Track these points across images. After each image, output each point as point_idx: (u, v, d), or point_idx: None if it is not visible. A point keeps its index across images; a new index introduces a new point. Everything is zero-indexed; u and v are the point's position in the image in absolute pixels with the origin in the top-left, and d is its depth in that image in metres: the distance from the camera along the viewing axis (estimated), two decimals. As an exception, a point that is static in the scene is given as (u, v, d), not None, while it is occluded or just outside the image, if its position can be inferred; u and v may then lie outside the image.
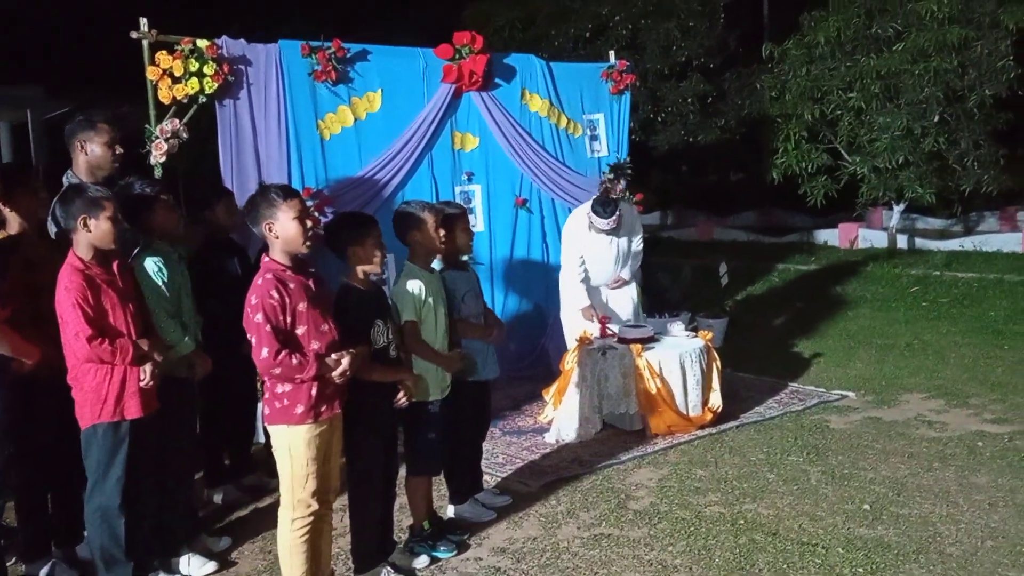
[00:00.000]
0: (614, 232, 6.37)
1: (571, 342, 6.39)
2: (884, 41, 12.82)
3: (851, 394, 6.76)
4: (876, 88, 12.56)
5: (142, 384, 3.63)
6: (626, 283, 6.65)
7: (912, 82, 12.31)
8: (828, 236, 15.98)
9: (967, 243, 14.19)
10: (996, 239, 14.10)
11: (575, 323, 6.45)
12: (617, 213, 6.23)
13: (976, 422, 5.99)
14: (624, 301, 6.68)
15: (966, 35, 12.14)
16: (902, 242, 14.38)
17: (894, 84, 12.58)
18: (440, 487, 4.73)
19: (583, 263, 6.41)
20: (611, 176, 6.92)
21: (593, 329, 6.27)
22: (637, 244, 6.66)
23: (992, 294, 10.51)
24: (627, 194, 7.56)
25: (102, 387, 3.58)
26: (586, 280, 6.42)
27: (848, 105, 12.90)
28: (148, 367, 3.65)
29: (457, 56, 6.69)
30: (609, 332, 6.21)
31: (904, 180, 12.71)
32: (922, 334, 8.83)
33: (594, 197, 6.41)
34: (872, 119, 12.74)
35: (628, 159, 7.36)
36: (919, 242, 14.65)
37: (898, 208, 13.76)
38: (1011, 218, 16.17)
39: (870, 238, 15.27)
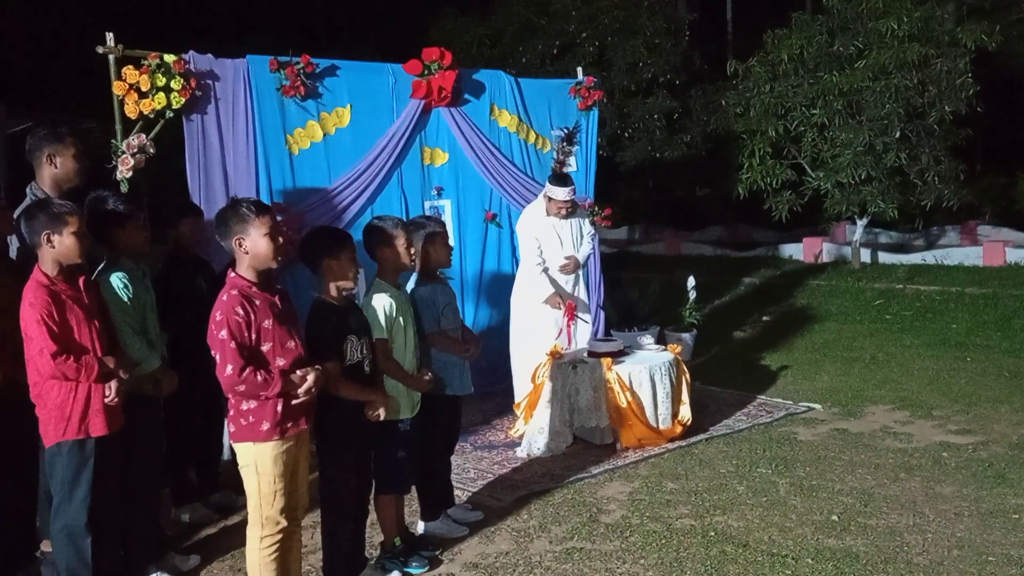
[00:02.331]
0: (571, 212, 6.44)
1: (521, 357, 6.40)
2: (846, 58, 13.01)
3: (818, 406, 6.82)
4: (839, 105, 12.73)
5: (107, 401, 3.58)
6: (578, 266, 6.62)
7: (874, 99, 12.49)
8: (793, 250, 16.12)
9: (929, 257, 14.38)
10: (957, 253, 14.31)
11: (526, 337, 6.47)
12: (573, 185, 6.40)
13: (940, 433, 6.06)
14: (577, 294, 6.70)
15: (926, 53, 12.35)
16: (865, 256, 14.55)
17: (856, 101, 12.76)
18: (412, 503, 4.70)
19: (541, 251, 6.41)
20: (564, 145, 6.93)
21: (550, 335, 6.30)
22: (588, 231, 6.73)
23: (954, 307, 10.66)
24: (595, 208, 7.62)
25: (67, 404, 3.53)
26: (546, 270, 6.41)
27: (811, 121, 13.05)
28: (113, 384, 3.60)
29: (426, 72, 6.69)
30: (576, 316, 6.38)
31: (867, 195, 12.87)
32: (886, 347, 8.93)
33: (549, 175, 6.57)
34: (835, 135, 12.90)
35: (576, 124, 7.38)
36: (882, 256, 14.84)
37: (861, 223, 13.93)
38: (971, 232, 16.44)
39: (834, 252, 15.44)
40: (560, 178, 6.44)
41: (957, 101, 12.46)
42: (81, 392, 3.53)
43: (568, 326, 6.38)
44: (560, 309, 6.33)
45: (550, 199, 6.38)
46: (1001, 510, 4.69)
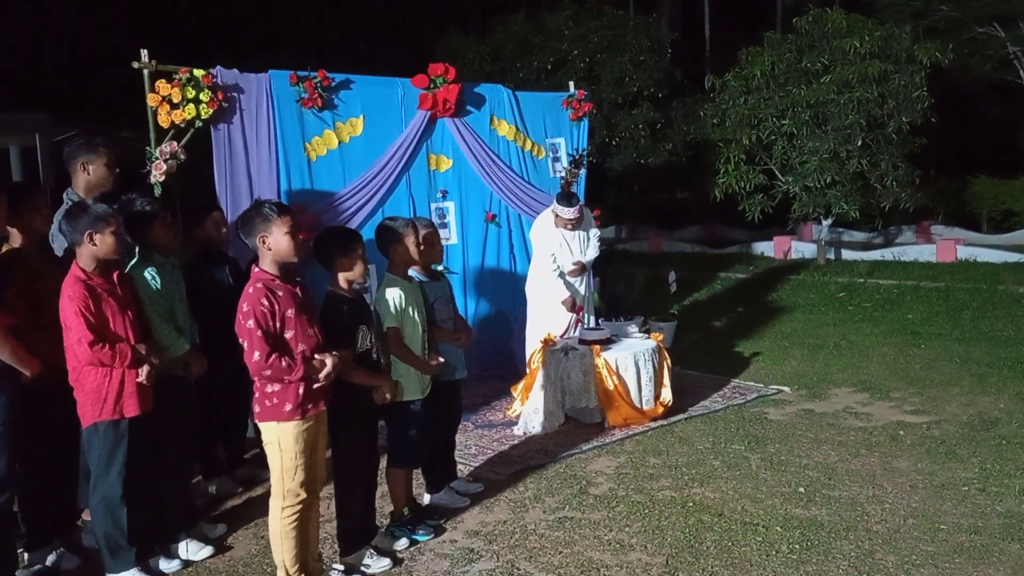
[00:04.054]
0: (576, 225, 6.42)
1: (535, 341, 6.39)
2: (813, 74, 12.97)
3: (786, 389, 6.81)
4: (806, 116, 12.70)
5: (140, 380, 3.57)
6: (584, 270, 6.64)
7: (838, 110, 12.47)
8: (764, 248, 16.08)
9: (887, 254, 14.35)
10: (913, 250, 14.29)
11: (541, 324, 6.45)
12: (580, 203, 6.36)
13: (897, 413, 6.05)
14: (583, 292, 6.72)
15: (885, 68, 12.33)
16: (830, 253, 14.52)
17: (822, 112, 12.73)
18: (419, 476, 4.69)
19: (555, 258, 6.43)
20: (572, 168, 6.91)
21: (562, 324, 6.33)
22: (594, 232, 6.74)
23: (910, 299, 10.65)
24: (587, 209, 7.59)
25: (102, 388, 3.52)
26: (562, 274, 6.43)
27: (781, 131, 13.02)
28: (145, 368, 3.59)
29: (432, 85, 6.66)
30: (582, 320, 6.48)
31: (831, 198, 12.85)
32: (848, 335, 8.92)
33: (557, 192, 6.55)
34: (802, 143, 12.87)
35: (587, 148, 7.42)
36: (845, 253, 14.81)
37: (826, 223, 13.90)
38: (926, 231, 16.44)
39: (801, 249, 15.41)
40: (567, 197, 6.41)
41: (913, 113, 12.45)
42: (116, 377, 3.52)
43: (576, 323, 6.46)
44: (572, 312, 6.40)
45: (557, 215, 6.38)
46: (952, 483, 4.68)
